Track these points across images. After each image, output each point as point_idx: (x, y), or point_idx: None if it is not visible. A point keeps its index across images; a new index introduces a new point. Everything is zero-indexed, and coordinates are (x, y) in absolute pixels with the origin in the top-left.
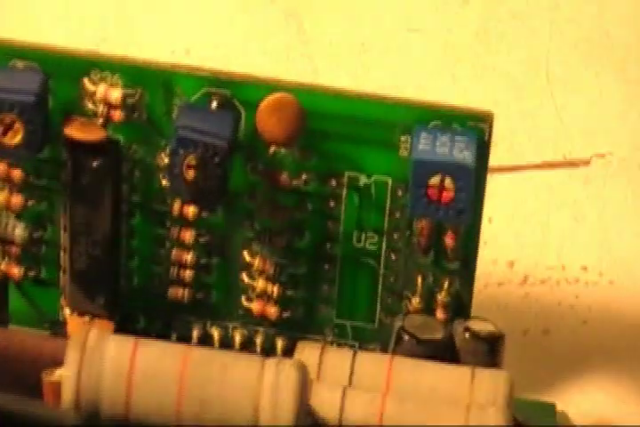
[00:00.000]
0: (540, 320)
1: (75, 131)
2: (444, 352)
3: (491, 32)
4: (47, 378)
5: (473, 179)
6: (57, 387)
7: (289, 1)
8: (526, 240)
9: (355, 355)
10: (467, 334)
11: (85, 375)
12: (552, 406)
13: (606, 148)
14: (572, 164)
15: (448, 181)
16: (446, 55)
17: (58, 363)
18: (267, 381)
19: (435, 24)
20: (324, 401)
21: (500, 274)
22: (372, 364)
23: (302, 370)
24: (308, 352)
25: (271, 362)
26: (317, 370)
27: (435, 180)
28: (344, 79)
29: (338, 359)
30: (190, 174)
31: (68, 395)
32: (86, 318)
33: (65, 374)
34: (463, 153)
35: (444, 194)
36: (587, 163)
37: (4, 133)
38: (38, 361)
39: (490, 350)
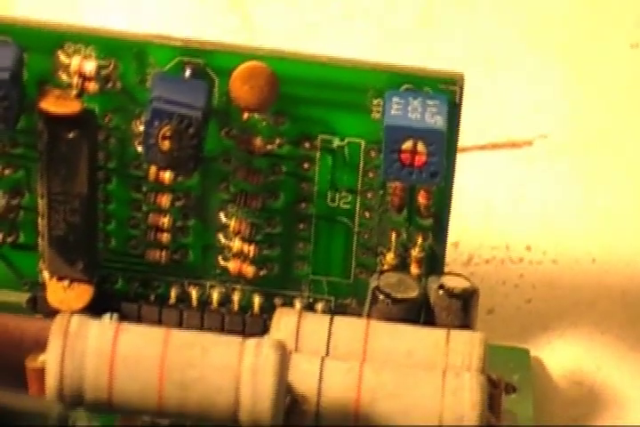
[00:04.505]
0: (484, 299)
1: (50, 104)
2: (419, 310)
3: (432, 14)
4: (30, 364)
5: (445, 142)
6: (40, 373)
7: None
8: (470, 220)
9: (332, 321)
10: (440, 291)
11: (68, 362)
12: (526, 352)
13: (548, 128)
14: (514, 144)
15: (420, 146)
16: (386, 40)
17: (41, 345)
18: (246, 363)
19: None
20: (303, 374)
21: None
22: (348, 330)
23: (281, 350)
24: (285, 320)
25: (250, 344)
26: (295, 337)
27: (407, 144)
28: None
29: (315, 326)
30: (166, 144)
31: (51, 382)
32: (65, 283)
33: (48, 361)
34: (435, 117)
35: (417, 158)
36: (529, 143)
37: None
38: (21, 344)
39: (464, 307)
